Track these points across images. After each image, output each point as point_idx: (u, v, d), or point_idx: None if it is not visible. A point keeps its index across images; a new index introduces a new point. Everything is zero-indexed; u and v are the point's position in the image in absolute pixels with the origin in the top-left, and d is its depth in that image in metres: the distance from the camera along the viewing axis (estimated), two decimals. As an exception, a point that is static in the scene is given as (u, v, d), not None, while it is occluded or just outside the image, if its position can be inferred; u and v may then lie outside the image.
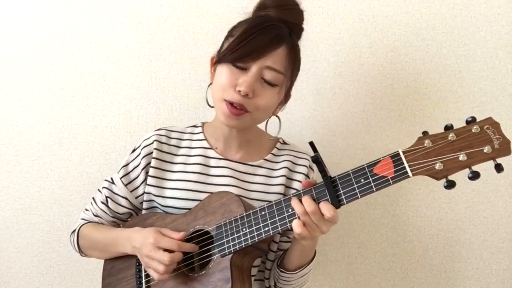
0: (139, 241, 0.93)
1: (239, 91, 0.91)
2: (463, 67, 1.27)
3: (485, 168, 1.29)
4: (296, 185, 1.04)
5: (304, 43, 1.29)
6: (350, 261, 1.39)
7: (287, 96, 1.05)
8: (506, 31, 1.25)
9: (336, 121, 1.32)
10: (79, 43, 1.35)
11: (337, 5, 1.27)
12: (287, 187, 1.04)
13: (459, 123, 0.77)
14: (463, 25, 1.25)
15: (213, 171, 1.03)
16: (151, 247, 0.90)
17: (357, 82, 1.30)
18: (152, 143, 1.05)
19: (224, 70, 0.94)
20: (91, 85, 1.37)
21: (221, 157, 1.05)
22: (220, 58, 0.95)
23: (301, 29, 1.02)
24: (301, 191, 0.85)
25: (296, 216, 0.83)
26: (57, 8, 1.34)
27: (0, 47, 1.37)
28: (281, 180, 1.03)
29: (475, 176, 0.71)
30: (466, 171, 0.73)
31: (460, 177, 1.30)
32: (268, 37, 0.91)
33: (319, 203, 0.81)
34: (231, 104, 0.93)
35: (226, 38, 1.00)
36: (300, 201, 0.82)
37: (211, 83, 1.02)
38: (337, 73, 1.30)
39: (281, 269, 0.99)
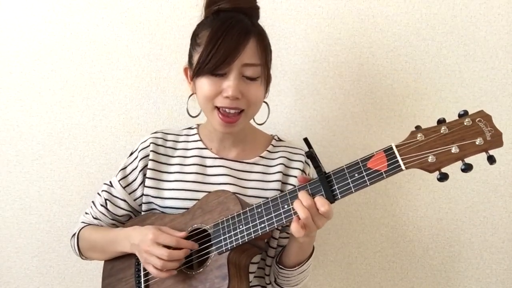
0: (138, 238, 0.94)
1: (227, 96, 0.92)
2: (463, 67, 1.27)
3: (485, 168, 1.30)
4: (292, 180, 1.05)
5: (304, 43, 1.30)
6: (350, 261, 1.39)
7: (268, 80, 1.04)
8: (506, 31, 1.25)
9: (336, 121, 1.32)
10: (79, 43, 1.35)
11: (337, 5, 1.27)
12: (284, 183, 1.05)
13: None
14: (463, 25, 1.25)
15: (210, 171, 1.05)
16: (150, 242, 0.91)
17: (357, 82, 1.30)
18: (149, 145, 1.07)
19: (204, 82, 0.94)
20: (91, 85, 1.37)
21: (216, 156, 1.06)
22: (197, 72, 0.94)
23: (257, 8, 1.02)
24: (297, 187, 0.85)
25: (292, 211, 0.84)
26: (57, 8, 1.34)
27: (0, 47, 1.37)
28: (278, 176, 1.04)
29: (467, 168, 0.72)
30: (459, 163, 0.74)
31: (461, 176, 1.31)
32: (235, 35, 0.91)
33: (314, 198, 0.82)
34: (223, 112, 0.94)
35: (192, 47, 0.99)
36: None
37: (192, 94, 1.03)
38: (337, 73, 1.30)
39: (280, 266, 0.99)
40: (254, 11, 1.01)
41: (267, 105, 1.07)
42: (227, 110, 0.94)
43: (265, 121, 1.07)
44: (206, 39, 0.92)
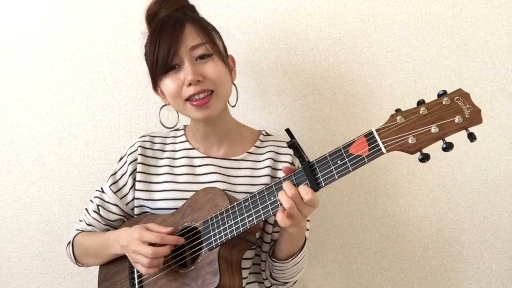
0: (126, 238, 0.96)
1: (190, 84, 0.94)
2: (463, 67, 1.27)
3: (485, 168, 1.30)
4: (281, 174, 1.05)
5: (304, 43, 1.30)
6: (350, 261, 1.40)
7: (230, 62, 1.06)
8: (506, 31, 1.25)
9: (336, 121, 1.32)
10: (79, 43, 1.35)
11: (337, 5, 1.27)
12: (273, 177, 1.05)
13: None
14: (463, 25, 1.25)
15: (199, 170, 1.06)
16: (136, 242, 0.92)
17: (357, 82, 1.30)
18: (137, 149, 1.09)
19: (166, 82, 0.97)
20: (91, 85, 1.37)
21: (204, 155, 1.08)
22: (155, 78, 0.98)
23: (192, 6, 1.06)
24: (282, 179, 0.86)
25: (278, 202, 0.84)
26: (57, 8, 1.34)
27: (0, 47, 1.37)
28: (267, 171, 1.05)
29: (448, 147, 0.72)
30: (440, 143, 0.73)
31: (461, 176, 1.31)
32: (170, 27, 0.95)
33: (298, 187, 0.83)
34: (194, 99, 0.96)
35: (147, 63, 1.03)
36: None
37: (165, 105, 1.08)
38: (337, 73, 1.30)
39: (273, 259, 1.00)
40: (187, 8, 1.04)
41: (235, 87, 1.08)
42: (196, 96, 0.96)
43: (236, 104, 1.09)
44: (148, 45, 0.97)
